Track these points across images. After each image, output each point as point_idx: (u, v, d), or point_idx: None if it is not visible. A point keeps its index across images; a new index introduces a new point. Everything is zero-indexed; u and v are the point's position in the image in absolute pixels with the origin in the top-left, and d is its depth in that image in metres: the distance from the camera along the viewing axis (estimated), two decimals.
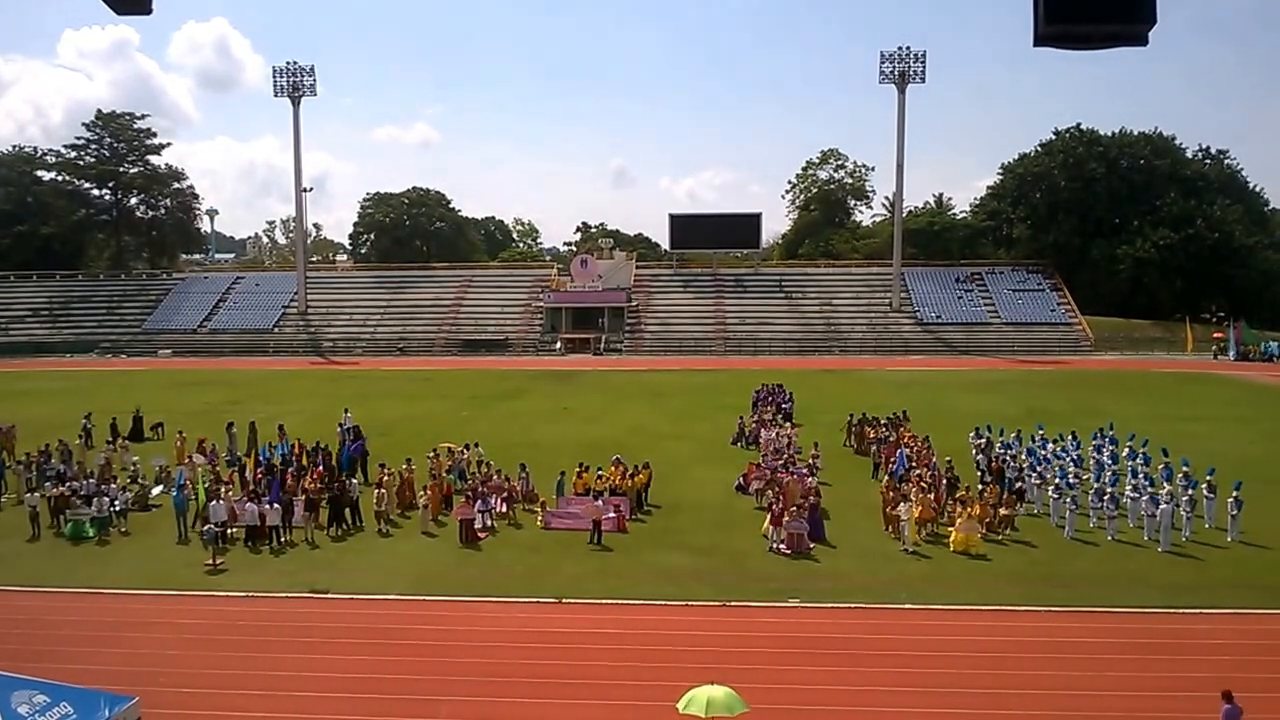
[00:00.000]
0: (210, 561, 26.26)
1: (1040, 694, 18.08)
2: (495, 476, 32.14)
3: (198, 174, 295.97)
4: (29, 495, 30.59)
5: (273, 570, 26.11)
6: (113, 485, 31.32)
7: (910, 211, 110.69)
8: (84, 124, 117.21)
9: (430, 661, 20.00)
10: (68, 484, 30.76)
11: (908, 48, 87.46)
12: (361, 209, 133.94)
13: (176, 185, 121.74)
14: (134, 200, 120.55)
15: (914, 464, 32.97)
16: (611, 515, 28.88)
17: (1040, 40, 5.23)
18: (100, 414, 44.62)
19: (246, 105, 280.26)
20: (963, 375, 68.68)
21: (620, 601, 23.41)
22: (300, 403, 55.52)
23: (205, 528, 27.49)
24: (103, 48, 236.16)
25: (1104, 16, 5.09)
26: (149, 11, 6.20)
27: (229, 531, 28.03)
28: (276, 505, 28.33)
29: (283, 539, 28.18)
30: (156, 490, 32.25)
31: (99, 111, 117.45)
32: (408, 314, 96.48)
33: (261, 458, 35.85)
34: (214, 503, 28.32)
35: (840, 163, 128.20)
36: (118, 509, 29.80)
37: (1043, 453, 35.52)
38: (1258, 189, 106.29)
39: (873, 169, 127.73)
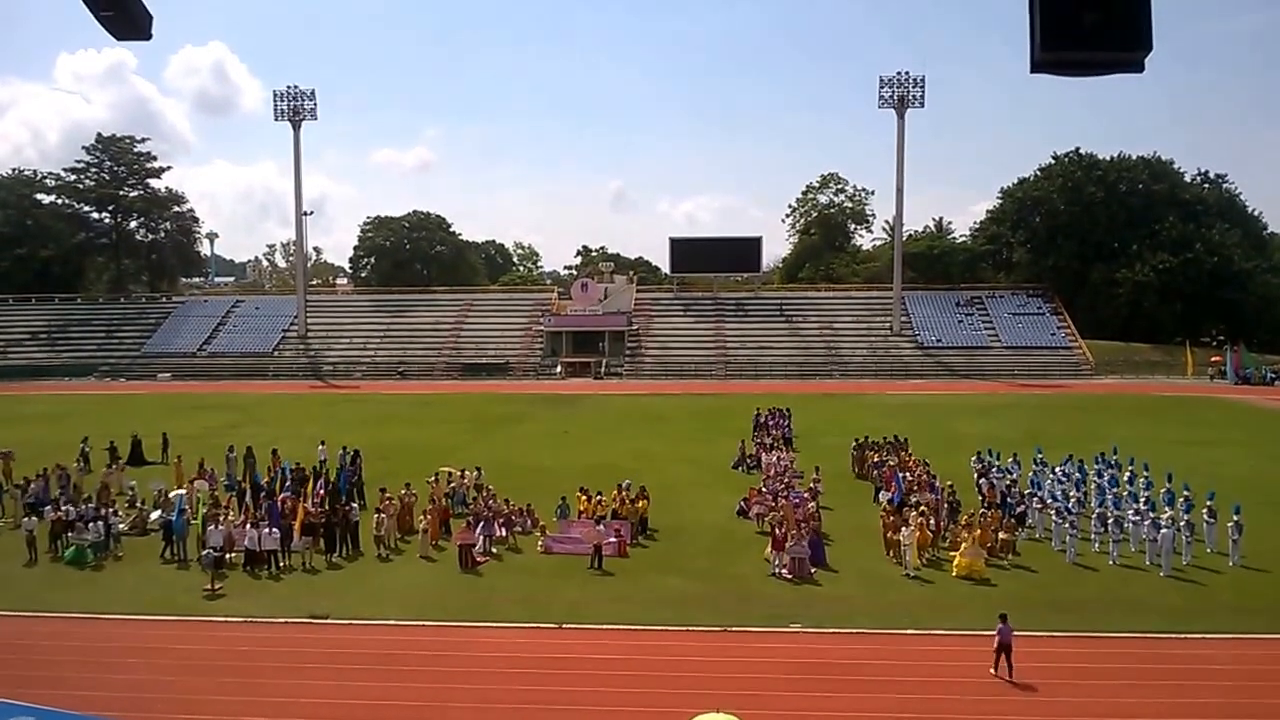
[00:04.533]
0: (209, 587, 26.16)
1: None
2: (494, 501, 32.08)
3: (196, 197, 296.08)
4: (25, 520, 30.51)
5: (271, 596, 26.02)
6: (108, 509, 31.23)
7: (910, 235, 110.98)
8: (84, 147, 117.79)
9: (430, 687, 19.90)
10: (64, 509, 30.65)
11: (907, 73, 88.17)
12: (362, 232, 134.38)
13: (176, 209, 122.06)
14: (134, 223, 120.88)
15: (914, 489, 32.92)
16: (612, 540, 28.78)
17: (1037, 67, 5.23)
18: (99, 438, 44.57)
19: (244, 129, 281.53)
20: (963, 399, 68.69)
21: (621, 627, 23.29)
22: (299, 426, 55.40)
23: (204, 553, 27.39)
24: (99, 71, 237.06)
25: (1100, 44, 5.09)
26: (149, 37, 6.19)
27: (228, 556, 27.95)
28: (275, 530, 28.26)
29: (281, 564, 28.11)
30: (155, 515, 32.20)
31: (99, 135, 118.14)
32: (408, 337, 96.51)
33: (263, 483, 35.74)
34: (212, 527, 28.26)
35: (840, 187, 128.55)
36: (112, 534, 29.75)
37: (1045, 477, 35.48)
38: (1256, 213, 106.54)
39: (872, 193, 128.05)
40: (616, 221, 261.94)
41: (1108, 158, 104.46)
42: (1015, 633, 21.85)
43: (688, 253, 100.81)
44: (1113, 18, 4.97)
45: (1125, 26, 5.01)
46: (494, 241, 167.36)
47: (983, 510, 31.04)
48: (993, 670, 19.81)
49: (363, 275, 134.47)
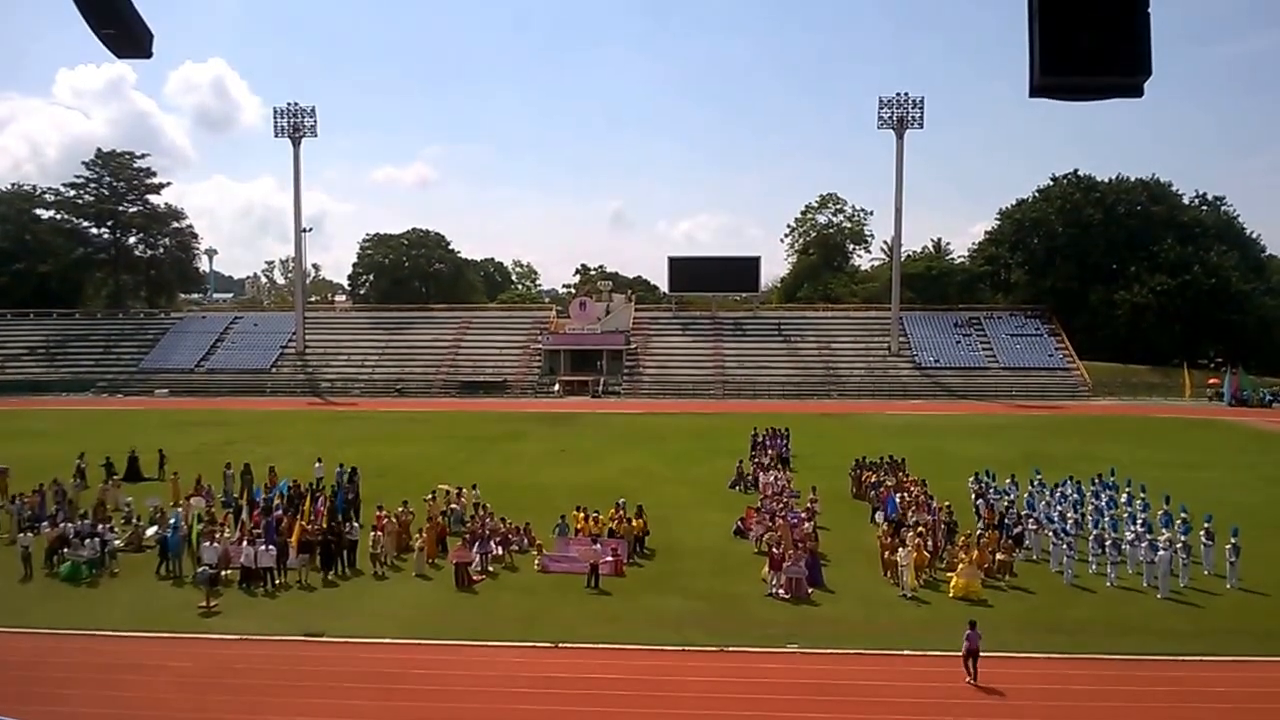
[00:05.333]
0: (204, 603, 26.09)
1: None
2: (491, 519, 32.03)
3: (195, 213, 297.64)
4: (21, 535, 30.42)
5: (267, 613, 25.93)
6: (104, 525, 31.13)
7: (909, 256, 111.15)
8: (83, 162, 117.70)
9: (425, 706, 19.83)
10: (61, 525, 30.55)
11: (906, 94, 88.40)
12: (361, 250, 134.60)
13: (175, 225, 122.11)
14: (133, 239, 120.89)
15: (910, 509, 32.86)
16: (609, 559, 28.73)
17: (1036, 92, 5.25)
18: (95, 454, 44.44)
19: (244, 145, 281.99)
20: (961, 420, 68.68)
21: (617, 647, 23.23)
22: (297, 444, 55.35)
23: (199, 569, 27.32)
24: (99, 86, 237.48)
25: (1099, 69, 5.12)
26: (149, 55, 6.20)
27: (223, 574, 27.88)
28: (271, 548, 28.19)
29: (277, 581, 28.03)
30: (151, 531, 32.11)
31: (99, 150, 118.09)
32: (406, 355, 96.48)
33: (260, 499, 35.66)
34: (207, 544, 28.21)
35: (839, 207, 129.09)
36: (108, 550, 29.66)
37: (1040, 498, 35.44)
38: (1255, 236, 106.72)
39: (871, 213, 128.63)
40: (615, 240, 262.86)
41: (1106, 180, 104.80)
42: (1012, 654, 21.91)
43: (686, 272, 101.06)
44: (1112, 42, 5.00)
45: (1125, 51, 5.04)
46: (493, 259, 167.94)
47: (980, 531, 31.05)
48: (968, 679, 20.43)
49: (361, 292, 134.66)
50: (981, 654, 21.23)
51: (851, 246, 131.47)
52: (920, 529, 29.59)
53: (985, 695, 20.03)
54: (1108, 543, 29.32)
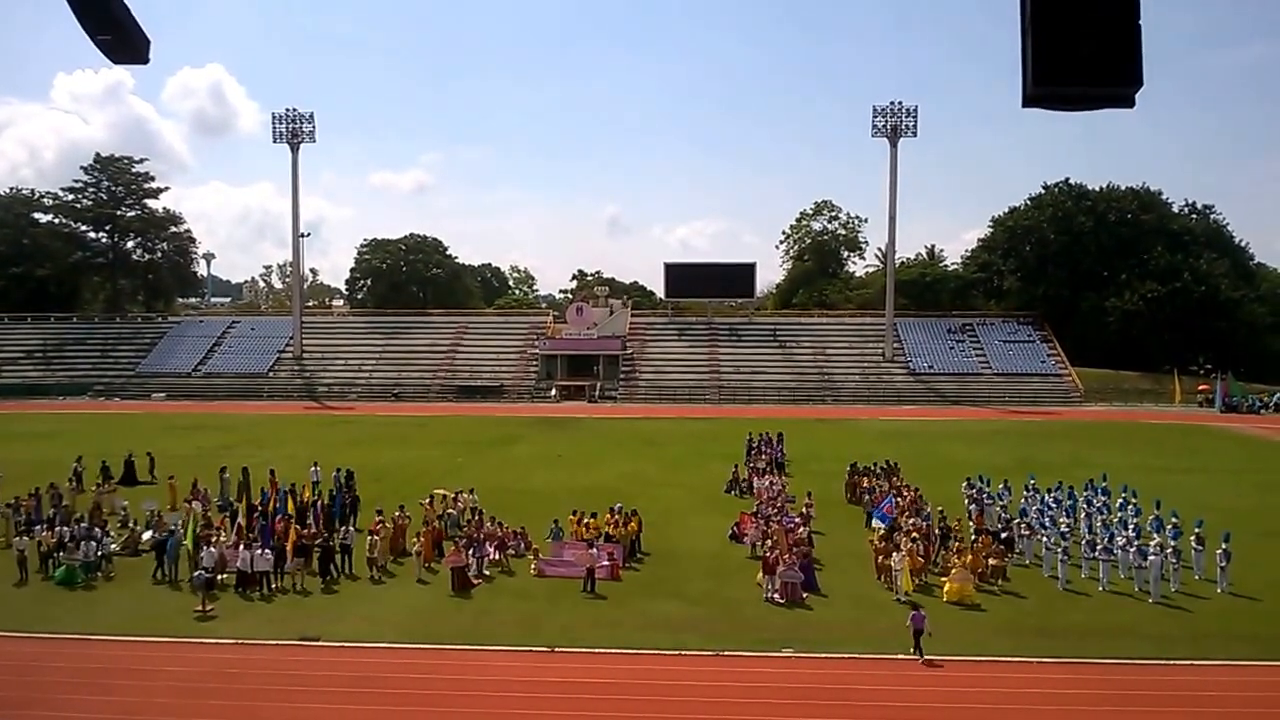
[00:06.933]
0: (200, 608, 26.14)
1: None
2: (488, 524, 32.09)
3: (192, 217, 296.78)
4: (17, 539, 30.44)
5: (263, 617, 25.99)
6: (100, 529, 31.14)
7: (902, 263, 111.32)
8: (82, 167, 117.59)
9: (421, 711, 19.90)
10: (57, 529, 30.57)
11: (900, 102, 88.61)
12: (359, 254, 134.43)
13: (173, 229, 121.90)
14: (130, 243, 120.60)
15: (904, 514, 32.96)
16: (605, 563, 28.81)
17: (1029, 101, 5.38)
18: (92, 457, 44.48)
19: (242, 150, 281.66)
20: (954, 425, 68.81)
21: (613, 651, 23.34)
22: (294, 448, 55.32)
23: (195, 574, 27.36)
24: (97, 91, 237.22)
25: (1091, 79, 5.25)
26: (146, 61, 6.31)
27: (219, 578, 27.93)
28: (267, 552, 28.24)
29: (274, 585, 28.08)
30: (147, 535, 32.13)
31: (97, 155, 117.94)
32: (403, 359, 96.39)
33: (262, 503, 35.68)
34: (205, 548, 28.26)
35: (834, 214, 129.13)
36: (103, 554, 29.69)
37: (1033, 503, 35.56)
38: (1243, 243, 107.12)
39: (865, 220, 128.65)
40: (612, 246, 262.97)
41: (1097, 188, 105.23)
42: (1004, 658, 22.04)
43: (682, 278, 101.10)
44: (1104, 54, 5.14)
45: (1117, 62, 5.18)
46: (490, 265, 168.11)
47: (974, 536, 31.18)
48: (913, 652, 22.49)
49: (359, 297, 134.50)
50: (974, 659, 21.38)
51: (846, 253, 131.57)
52: (914, 534, 29.72)
53: (977, 699, 20.15)
54: (1099, 547, 29.47)
